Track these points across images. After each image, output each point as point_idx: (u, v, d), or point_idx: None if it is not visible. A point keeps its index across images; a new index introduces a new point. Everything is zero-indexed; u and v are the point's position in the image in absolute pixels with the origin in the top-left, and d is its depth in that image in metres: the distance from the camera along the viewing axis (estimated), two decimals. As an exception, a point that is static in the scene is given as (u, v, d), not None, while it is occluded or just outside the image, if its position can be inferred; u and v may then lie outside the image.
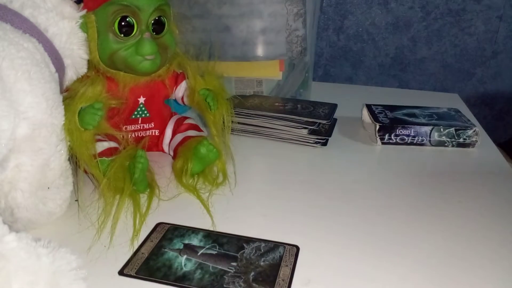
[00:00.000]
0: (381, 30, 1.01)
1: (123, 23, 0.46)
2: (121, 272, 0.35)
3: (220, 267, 0.36)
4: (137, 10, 0.46)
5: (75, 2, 0.45)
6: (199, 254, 0.38)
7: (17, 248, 0.27)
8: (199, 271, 0.36)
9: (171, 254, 0.38)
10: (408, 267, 0.37)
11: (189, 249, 0.38)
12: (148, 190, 0.46)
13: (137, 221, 0.41)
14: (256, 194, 0.48)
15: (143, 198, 0.45)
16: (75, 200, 0.44)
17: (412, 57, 1.03)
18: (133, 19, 0.46)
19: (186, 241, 0.39)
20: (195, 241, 0.39)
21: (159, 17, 0.48)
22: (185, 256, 0.37)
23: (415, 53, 1.03)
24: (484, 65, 1.03)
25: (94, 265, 0.36)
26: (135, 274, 0.35)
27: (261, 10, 0.66)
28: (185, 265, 0.36)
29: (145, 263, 0.36)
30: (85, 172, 0.45)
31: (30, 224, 0.39)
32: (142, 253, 0.38)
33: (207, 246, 0.39)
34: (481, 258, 0.39)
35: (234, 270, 0.36)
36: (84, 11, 0.45)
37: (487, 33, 0.99)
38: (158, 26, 0.48)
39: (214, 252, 0.38)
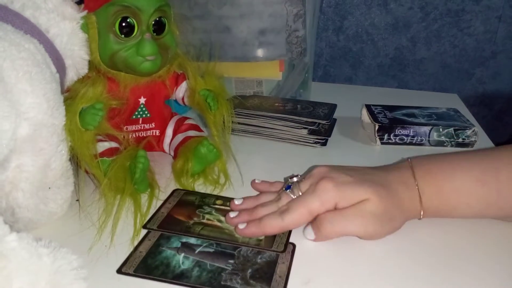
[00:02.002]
0: (380, 31, 1.02)
1: (123, 24, 0.46)
2: (119, 271, 0.36)
3: (217, 264, 0.36)
4: (137, 11, 0.46)
5: (76, 3, 0.45)
6: (196, 252, 0.38)
7: (18, 248, 0.28)
8: (196, 268, 0.36)
9: (168, 252, 0.38)
10: (408, 266, 0.37)
11: (187, 247, 0.39)
12: (149, 190, 0.46)
13: (138, 221, 0.41)
14: (255, 193, 0.48)
15: (144, 198, 0.45)
16: (76, 200, 0.44)
17: (411, 57, 1.03)
18: (133, 20, 0.46)
19: (184, 240, 0.40)
20: (192, 239, 0.40)
21: (160, 17, 0.48)
22: (182, 254, 0.38)
23: (414, 53, 1.03)
24: (483, 65, 1.03)
25: (93, 265, 0.36)
26: (133, 273, 0.35)
27: (261, 10, 0.66)
28: (182, 263, 0.37)
29: (143, 261, 0.37)
30: (86, 172, 0.45)
31: (31, 224, 0.40)
32: (140, 252, 0.38)
33: (204, 244, 0.39)
34: (481, 258, 0.39)
35: (231, 267, 0.36)
36: (85, 12, 0.45)
37: (486, 33, 0.99)
38: (159, 27, 0.48)
39: (211, 250, 0.38)
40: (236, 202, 0.44)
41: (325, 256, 0.38)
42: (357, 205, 0.39)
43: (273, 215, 0.40)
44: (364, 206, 0.38)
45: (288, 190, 0.42)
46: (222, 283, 0.34)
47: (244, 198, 0.45)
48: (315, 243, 0.40)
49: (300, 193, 0.41)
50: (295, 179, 0.43)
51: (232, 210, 0.43)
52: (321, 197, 0.39)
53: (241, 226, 0.40)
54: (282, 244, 0.39)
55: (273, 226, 0.39)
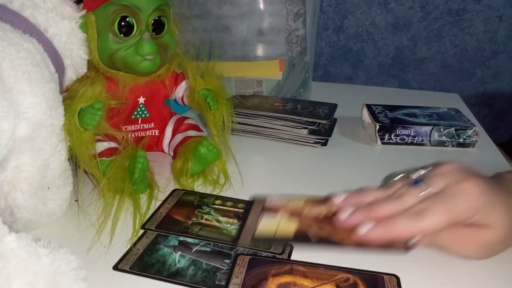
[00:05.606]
0: (381, 30, 1.02)
1: (123, 23, 0.46)
2: (115, 267, 0.36)
3: (213, 264, 0.36)
4: (136, 10, 0.46)
5: (75, 2, 0.45)
6: (193, 251, 0.38)
7: (17, 248, 0.27)
8: (192, 267, 0.36)
9: (165, 250, 0.38)
10: (408, 267, 0.37)
11: (184, 245, 0.39)
12: (148, 190, 0.46)
13: (137, 221, 0.41)
14: (255, 193, 0.48)
15: (143, 198, 0.45)
16: (75, 200, 0.44)
17: (412, 57, 1.03)
18: (133, 19, 0.46)
19: (181, 238, 0.40)
20: (190, 238, 0.40)
21: (159, 17, 0.48)
22: (179, 253, 0.38)
23: (415, 53, 1.03)
24: (484, 65, 1.03)
25: (92, 265, 0.36)
26: (129, 269, 0.35)
27: (261, 10, 0.66)
28: (178, 261, 0.37)
29: (139, 258, 0.37)
30: (85, 172, 0.45)
31: (30, 224, 0.40)
32: (137, 249, 0.38)
33: (202, 243, 0.39)
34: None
35: (227, 267, 0.36)
36: (84, 11, 0.45)
37: (487, 33, 0.99)
38: (158, 26, 0.48)
39: (208, 249, 0.38)
40: (339, 198, 0.37)
41: (322, 258, 0.38)
42: (478, 228, 0.33)
43: (405, 216, 0.33)
44: (485, 234, 0.34)
45: (417, 184, 0.34)
46: (217, 282, 0.34)
47: (347, 194, 0.37)
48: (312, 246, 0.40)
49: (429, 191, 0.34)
50: (422, 172, 0.35)
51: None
52: (467, 202, 0.33)
53: (364, 229, 0.33)
54: (280, 246, 0.39)
55: (407, 229, 0.33)
